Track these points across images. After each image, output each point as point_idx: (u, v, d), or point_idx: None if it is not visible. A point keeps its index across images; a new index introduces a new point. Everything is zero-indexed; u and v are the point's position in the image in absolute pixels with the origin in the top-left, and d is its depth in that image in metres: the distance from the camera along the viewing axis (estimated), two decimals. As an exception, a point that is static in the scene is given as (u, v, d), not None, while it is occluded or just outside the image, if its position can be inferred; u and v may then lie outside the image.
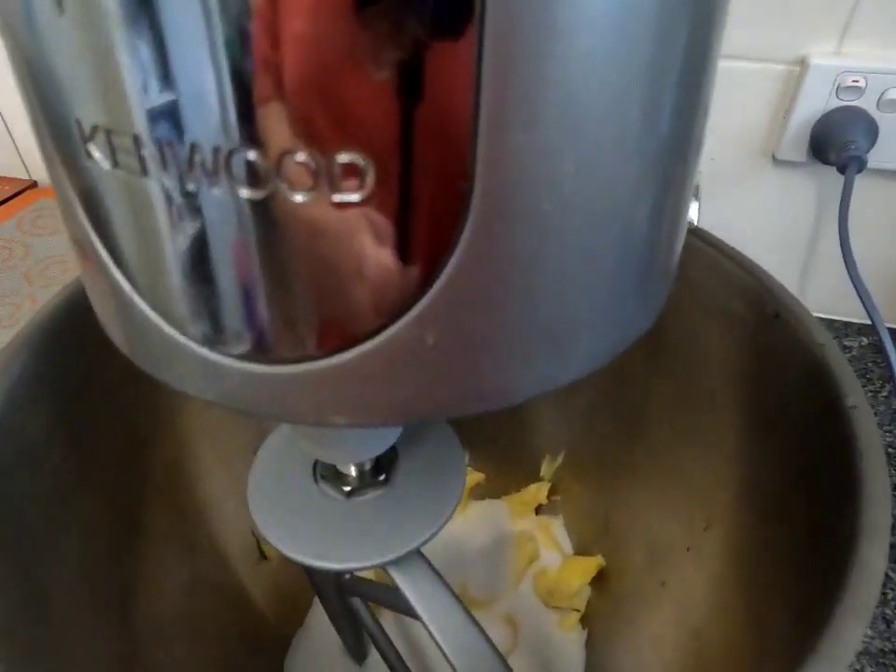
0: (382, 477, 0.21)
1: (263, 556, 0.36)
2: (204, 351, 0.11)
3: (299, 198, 0.09)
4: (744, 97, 0.48)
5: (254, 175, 0.09)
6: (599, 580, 0.36)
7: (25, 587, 0.21)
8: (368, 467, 0.21)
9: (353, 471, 0.21)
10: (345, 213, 0.09)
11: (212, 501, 0.33)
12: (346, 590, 0.30)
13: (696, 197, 0.37)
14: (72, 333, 0.23)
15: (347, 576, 0.30)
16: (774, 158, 0.50)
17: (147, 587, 0.28)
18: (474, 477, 0.40)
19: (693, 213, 0.37)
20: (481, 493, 0.40)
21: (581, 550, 0.37)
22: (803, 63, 0.45)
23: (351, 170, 0.09)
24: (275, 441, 0.22)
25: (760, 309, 0.24)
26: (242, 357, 0.11)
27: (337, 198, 0.09)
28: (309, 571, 0.30)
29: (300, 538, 0.20)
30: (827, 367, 0.21)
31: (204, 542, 0.32)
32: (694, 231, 0.27)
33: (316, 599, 0.36)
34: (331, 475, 0.21)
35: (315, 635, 0.36)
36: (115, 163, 0.09)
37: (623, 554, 0.35)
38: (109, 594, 0.26)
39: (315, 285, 0.10)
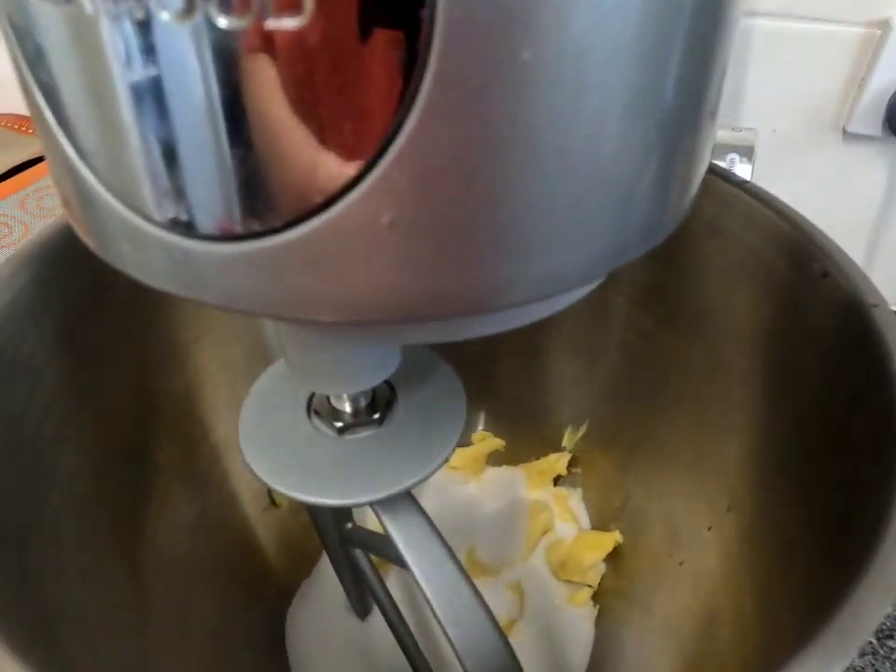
0: (376, 416, 0.20)
1: (273, 503, 0.35)
2: (145, 224, 0.10)
3: (223, 21, 0.08)
4: (812, 63, 0.44)
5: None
6: (615, 556, 0.34)
7: (20, 504, 0.21)
8: (363, 403, 0.20)
9: (347, 407, 0.20)
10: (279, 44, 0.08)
11: (225, 443, 0.32)
12: (349, 540, 0.30)
13: (750, 160, 0.35)
14: (80, 254, 0.23)
15: (349, 525, 0.29)
16: (844, 131, 0.46)
17: (152, 519, 0.28)
18: (493, 443, 0.39)
19: (745, 175, 0.34)
20: (498, 459, 0.39)
21: (599, 525, 0.36)
22: (885, 25, 0.41)
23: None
24: (271, 375, 0.22)
25: (806, 267, 0.22)
26: (182, 233, 0.10)
27: (271, 24, 0.08)
28: (314, 518, 0.30)
29: (284, 470, 0.19)
30: (876, 330, 0.19)
31: (214, 483, 0.32)
32: (740, 185, 0.25)
33: (325, 552, 0.36)
34: (325, 410, 0.20)
35: (319, 587, 0.35)
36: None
37: (641, 532, 0.33)
38: (113, 520, 0.26)
39: (260, 143, 0.09)
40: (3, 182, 0.57)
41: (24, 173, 0.58)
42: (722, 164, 0.34)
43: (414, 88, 0.08)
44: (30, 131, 0.61)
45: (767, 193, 0.24)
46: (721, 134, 0.36)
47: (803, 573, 0.20)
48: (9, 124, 0.62)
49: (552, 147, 0.09)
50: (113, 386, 0.25)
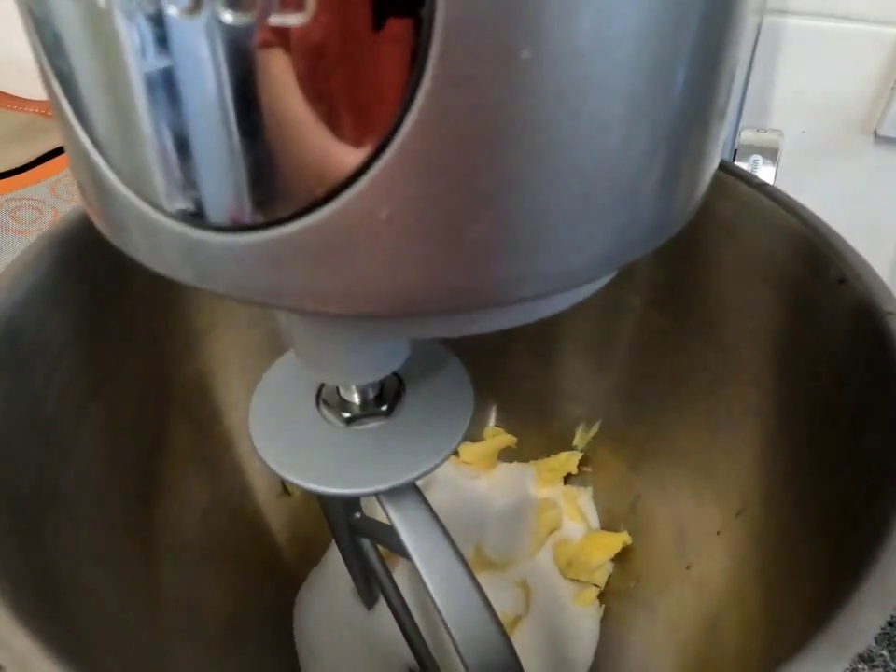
0: (384, 407, 0.20)
1: (285, 491, 0.36)
2: (157, 216, 0.11)
3: (228, 17, 0.08)
4: (844, 64, 0.43)
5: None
6: (623, 557, 0.34)
7: (37, 481, 0.21)
8: (371, 395, 0.20)
9: (356, 398, 0.20)
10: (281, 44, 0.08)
11: (239, 429, 0.33)
12: (357, 530, 0.30)
13: (773, 162, 0.34)
14: (102, 238, 0.24)
15: (357, 515, 0.29)
16: (875, 134, 0.45)
17: (165, 501, 0.29)
18: (505, 439, 0.39)
19: (768, 177, 0.33)
20: (509, 456, 0.39)
21: (608, 525, 0.36)
22: (920, 25, 0.40)
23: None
24: (282, 364, 0.22)
25: (823, 272, 0.22)
26: (190, 222, 0.10)
27: (275, 20, 0.08)
28: (323, 507, 0.30)
29: (293, 459, 0.19)
30: (891, 338, 0.19)
31: (228, 468, 0.33)
32: (759, 187, 0.25)
33: (334, 541, 0.37)
34: (334, 401, 0.20)
35: (328, 575, 0.36)
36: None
37: (650, 533, 0.33)
38: (127, 501, 0.26)
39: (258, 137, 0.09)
40: (34, 168, 0.59)
41: (55, 159, 0.59)
42: (745, 166, 0.34)
43: (414, 85, 0.08)
44: (61, 118, 0.62)
45: (786, 196, 0.24)
46: (746, 135, 0.36)
47: (810, 581, 0.20)
48: (40, 111, 0.63)
49: (553, 144, 0.09)
50: (130, 370, 0.26)
